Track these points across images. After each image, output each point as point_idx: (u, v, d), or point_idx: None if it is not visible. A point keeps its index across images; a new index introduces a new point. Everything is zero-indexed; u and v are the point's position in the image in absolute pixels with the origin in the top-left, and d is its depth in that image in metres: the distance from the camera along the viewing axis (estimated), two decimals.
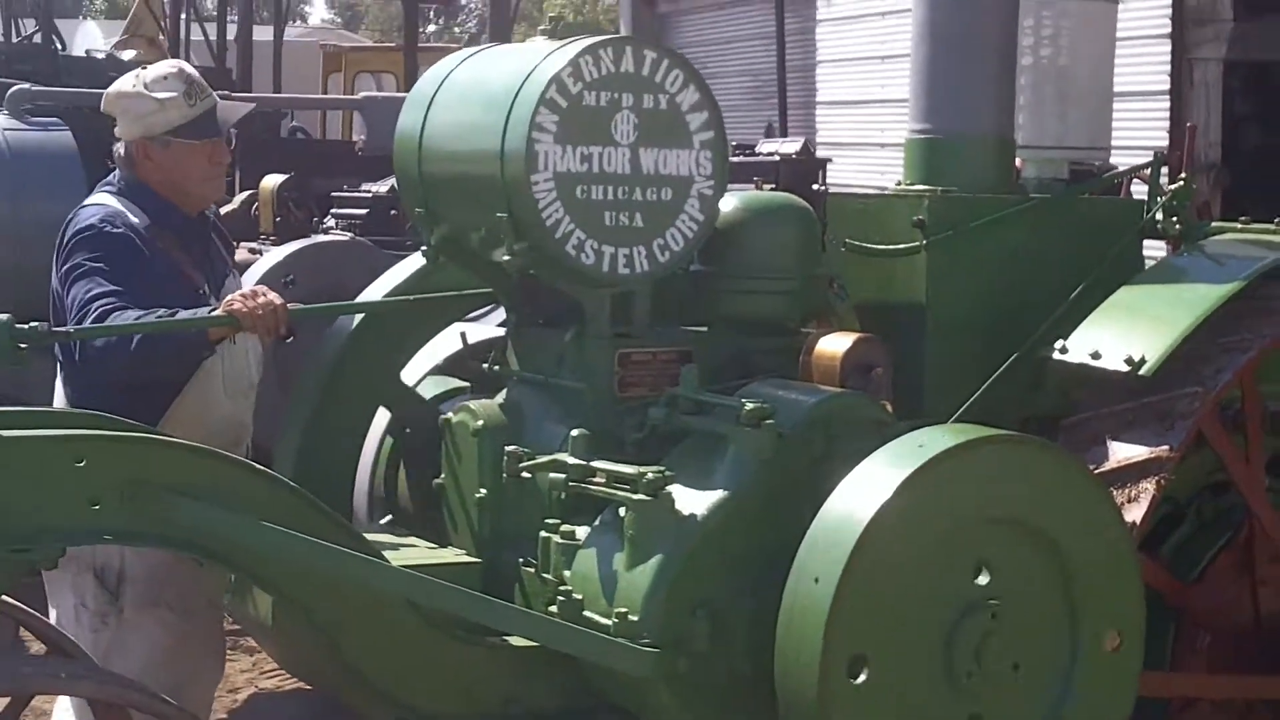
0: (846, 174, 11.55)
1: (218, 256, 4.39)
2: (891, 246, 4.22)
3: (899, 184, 4.50)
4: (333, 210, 8.40)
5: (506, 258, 3.71)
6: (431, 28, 46.04)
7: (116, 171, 4.30)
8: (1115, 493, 3.63)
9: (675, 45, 17.92)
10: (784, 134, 14.98)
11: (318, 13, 51.10)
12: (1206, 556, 4.08)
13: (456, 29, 51.96)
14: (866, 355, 3.82)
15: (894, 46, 11.48)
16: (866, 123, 12.31)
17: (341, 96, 14.72)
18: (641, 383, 3.83)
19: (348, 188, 8.59)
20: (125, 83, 4.29)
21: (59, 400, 4.20)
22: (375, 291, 4.43)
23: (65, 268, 4.07)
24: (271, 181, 7.52)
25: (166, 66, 4.35)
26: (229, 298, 3.92)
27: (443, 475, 4.07)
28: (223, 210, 7.78)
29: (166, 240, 4.17)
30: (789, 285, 3.98)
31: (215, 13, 15.28)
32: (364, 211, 8.22)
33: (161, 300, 3.92)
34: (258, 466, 3.43)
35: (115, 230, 4.07)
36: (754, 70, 16.60)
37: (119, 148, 4.28)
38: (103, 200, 4.20)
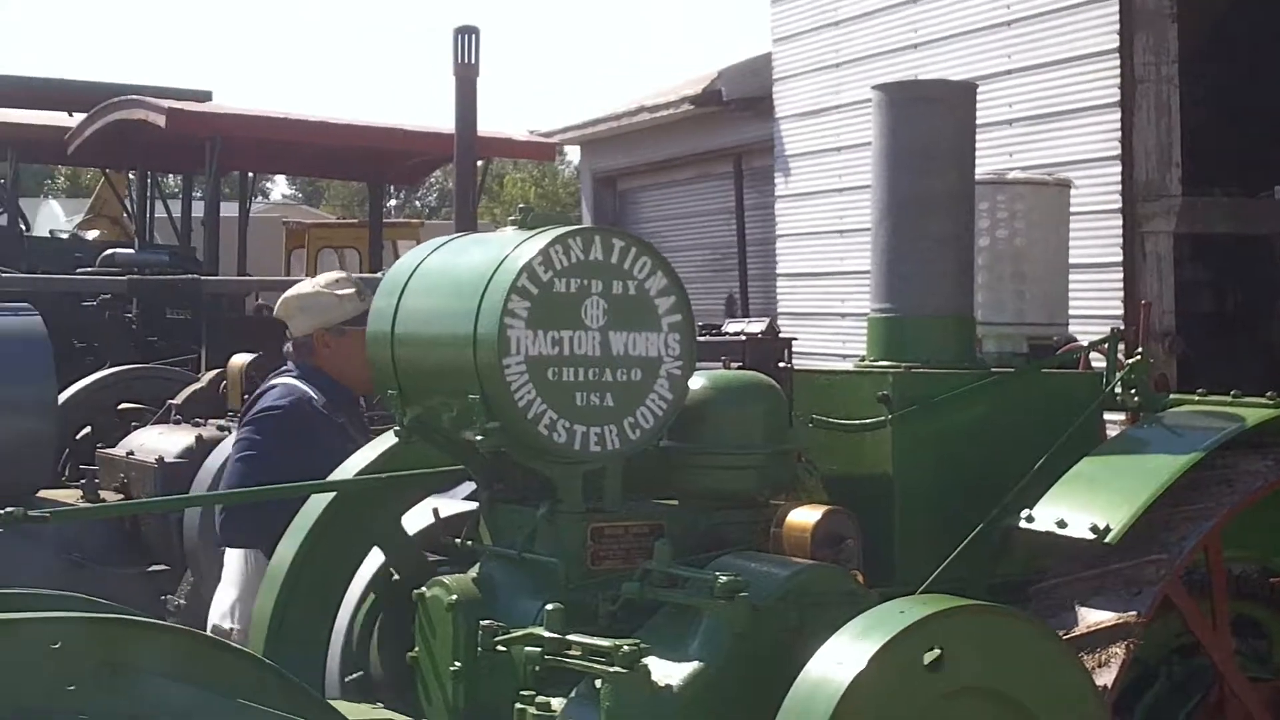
0: (808, 343, 11.70)
1: (364, 426, 5.32)
2: (858, 421, 4.30)
3: (862, 360, 4.59)
4: None
5: (479, 437, 3.77)
6: (392, 202, 46.64)
7: (290, 360, 5.40)
8: (1086, 657, 3.67)
9: (635, 220, 18.23)
10: (745, 305, 15.22)
11: (278, 189, 51.65)
12: (1179, 717, 4.11)
13: (417, 203, 52.57)
14: (836, 527, 3.87)
15: (851, 221, 11.71)
16: (826, 294, 12.51)
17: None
18: (614, 556, 3.87)
19: None
20: (302, 288, 5.48)
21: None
22: (348, 469, 4.48)
23: (240, 438, 5.26)
24: (240, 360, 7.56)
25: (336, 273, 5.69)
26: None
27: (416, 649, 4.08)
28: (190, 389, 7.84)
29: (337, 414, 5.22)
30: (757, 460, 4.03)
31: (179, 191, 15.39)
32: None
33: (337, 460, 4.52)
34: (235, 645, 3.43)
35: (302, 410, 5.18)
36: (713, 244, 16.88)
37: (288, 346, 5.43)
38: (288, 383, 5.29)
